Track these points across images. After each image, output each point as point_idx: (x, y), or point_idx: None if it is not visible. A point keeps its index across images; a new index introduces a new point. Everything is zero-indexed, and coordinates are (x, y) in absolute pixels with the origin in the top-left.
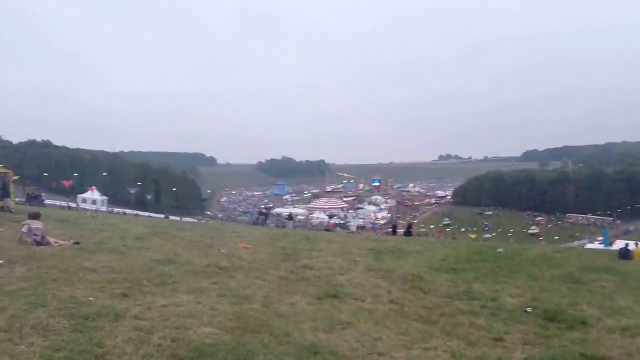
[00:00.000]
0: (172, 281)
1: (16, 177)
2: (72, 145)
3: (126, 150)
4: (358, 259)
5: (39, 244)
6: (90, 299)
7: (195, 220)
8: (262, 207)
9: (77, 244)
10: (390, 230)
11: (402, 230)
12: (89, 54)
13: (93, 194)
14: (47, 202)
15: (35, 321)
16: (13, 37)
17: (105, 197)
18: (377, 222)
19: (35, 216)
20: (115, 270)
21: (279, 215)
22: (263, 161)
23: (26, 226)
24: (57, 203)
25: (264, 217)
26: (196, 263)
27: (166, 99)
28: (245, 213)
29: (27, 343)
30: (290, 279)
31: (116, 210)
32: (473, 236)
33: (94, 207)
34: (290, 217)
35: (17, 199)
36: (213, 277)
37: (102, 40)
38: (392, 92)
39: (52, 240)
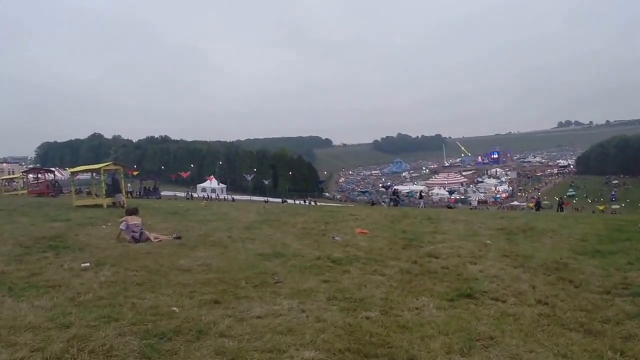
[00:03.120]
0: (275, 280)
1: (136, 172)
2: (188, 138)
3: (242, 138)
4: (488, 241)
5: (137, 240)
6: (174, 309)
7: (305, 203)
8: (390, 186)
9: (178, 238)
10: (534, 206)
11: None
12: (204, 48)
13: (211, 183)
14: (166, 193)
15: (97, 342)
16: (129, 42)
17: (223, 185)
18: (498, 195)
19: (132, 212)
20: (212, 268)
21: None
22: (379, 139)
23: (124, 222)
24: (177, 194)
25: (396, 197)
26: (305, 255)
27: (281, 85)
28: (364, 192)
29: None
30: (414, 271)
31: (228, 197)
32: (601, 207)
33: (213, 195)
34: (421, 195)
35: (139, 193)
36: (323, 273)
37: (216, 33)
38: (507, 63)
39: (151, 235)
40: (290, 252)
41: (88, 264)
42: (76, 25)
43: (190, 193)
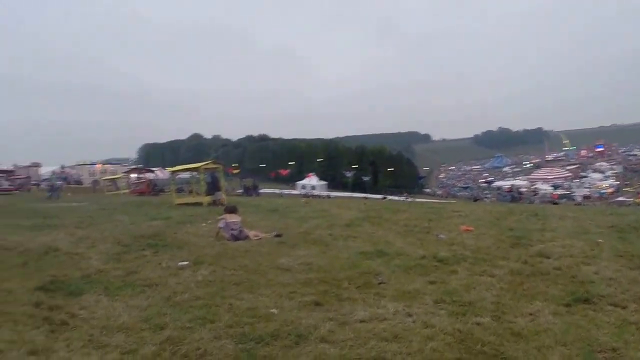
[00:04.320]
0: (378, 281)
1: (236, 171)
2: (287, 136)
3: (341, 135)
4: (600, 240)
5: (236, 238)
6: (273, 310)
7: (402, 199)
8: (492, 181)
9: (279, 236)
10: None
11: None
12: (297, 49)
13: (311, 180)
14: (266, 191)
15: (191, 346)
16: (228, 48)
17: (323, 182)
18: (604, 190)
19: (231, 209)
20: (313, 267)
21: (499, 188)
22: (479, 134)
23: (222, 220)
24: (277, 191)
25: (513, 194)
26: (409, 254)
27: (378, 81)
28: (465, 188)
29: None
30: (524, 272)
31: (325, 193)
32: None
33: (313, 192)
34: (535, 192)
35: (239, 191)
36: (429, 274)
37: (309, 34)
38: (607, 49)
39: (251, 233)
40: (393, 251)
41: (186, 263)
42: (179, 35)
43: (282, 191)
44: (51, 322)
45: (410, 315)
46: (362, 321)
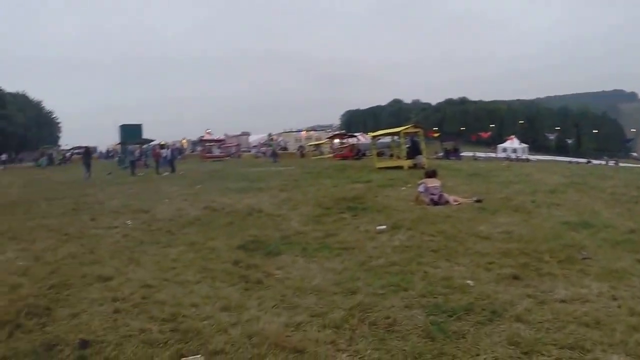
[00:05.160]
0: (582, 256)
1: (436, 134)
2: (487, 98)
3: (542, 96)
4: None
5: (435, 203)
6: (468, 282)
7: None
8: None
9: (479, 201)
10: None
11: None
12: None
13: (512, 143)
14: (466, 154)
15: (381, 314)
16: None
17: (524, 145)
18: None
19: (431, 174)
20: (513, 237)
21: None
22: None
23: (422, 185)
24: (479, 154)
25: None
26: (617, 227)
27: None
28: None
29: (352, 350)
30: None
31: (525, 157)
32: None
33: (513, 156)
34: None
35: (440, 154)
36: (639, 251)
37: None
38: None
39: (450, 198)
40: (599, 222)
41: (384, 227)
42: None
43: (474, 153)
44: (247, 280)
45: (615, 298)
46: (562, 301)
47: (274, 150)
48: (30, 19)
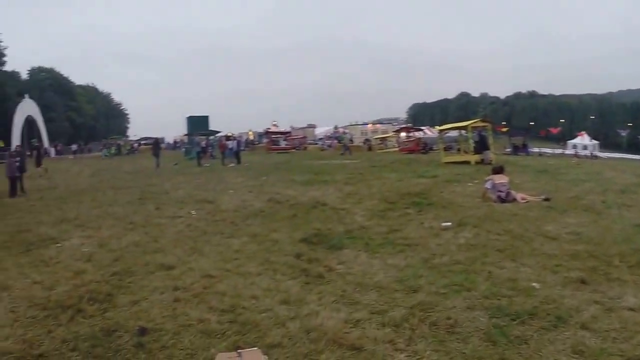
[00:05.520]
0: None
1: (504, 129)
2: (557, 91)
3: (614, 90)
4: None
5: (503, 200)
6: (534, 284)
7: None
8: None
9: (547, 200)
10: None
11: None
12: None
13: (582, 139)
14: (535, 150)
15: (442, 314)
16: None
17: (595, 142)
18: None
19: (499, 170)
20: (582, 238)
21: None
22: None
23: (490, 181)
24: (548, 151)
25: None
26: None
27: None
28: None
29: (410, 350)
30: None
31: (593, 154)
32: None
33: (583, 153)
34: None
35: (507, 149)
36: None
37: None
38: None
39: (518, 196)
40: None
41: (449, 224)
42: None
43: (539, 149)
44: (308, 273)
45: None
46: (630, 309)
47: (345, 144)
48: (100, 16)
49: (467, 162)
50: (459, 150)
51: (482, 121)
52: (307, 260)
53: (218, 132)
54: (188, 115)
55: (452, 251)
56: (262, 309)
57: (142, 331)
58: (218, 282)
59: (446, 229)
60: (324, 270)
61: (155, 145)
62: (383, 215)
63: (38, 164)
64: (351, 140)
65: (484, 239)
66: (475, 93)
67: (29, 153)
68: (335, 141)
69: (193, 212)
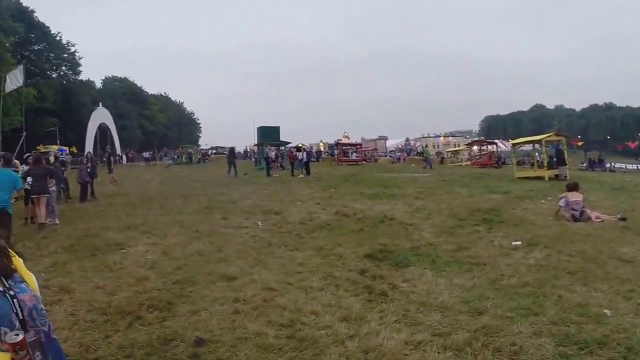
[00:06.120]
0: None
1: (580, 143)
2: (635, 104)
3: None
4: None
5: (576, 219)
6: (605, 311)
7: None
8: None
9: (623, 219)
10: None
11: None
12: None
13: None
14: (613, 165)
15: (507, 340)
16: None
17: None
18: None
19: (573, 187)
20: None
21: None
22: None
23: (563, 199)
24: (618, 165)
25: None
26: None
27: None
28: None
29: None
30: None
31: None
32: None
33: None
34: None
35: (583, 164)
36: None
37: None
38: None
39: (593, 214)
40: None
41: (519, 243)
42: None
43: (612, 164)
44: (371, 291)
45: None
46: None
47: (426, 157)
48: (174, 28)
49: (540, 178)
50: (532, 164)
51: (557, 135)
52: (371, 276)
53: (288, 142)
54: (259, 126)
55: (521, 272)
56: (321, 325)
57: (199, 342)
58: (279, 296)
59: (516, 248)
60: (388, 287)
61: (231, 153)
62: (452, 232)
63: (110, 170)
64: (437, 155)
65: (555, 260)
66: (550, 105)
67: (105, 160)
68: (405, 154)
69: (259, 223)
